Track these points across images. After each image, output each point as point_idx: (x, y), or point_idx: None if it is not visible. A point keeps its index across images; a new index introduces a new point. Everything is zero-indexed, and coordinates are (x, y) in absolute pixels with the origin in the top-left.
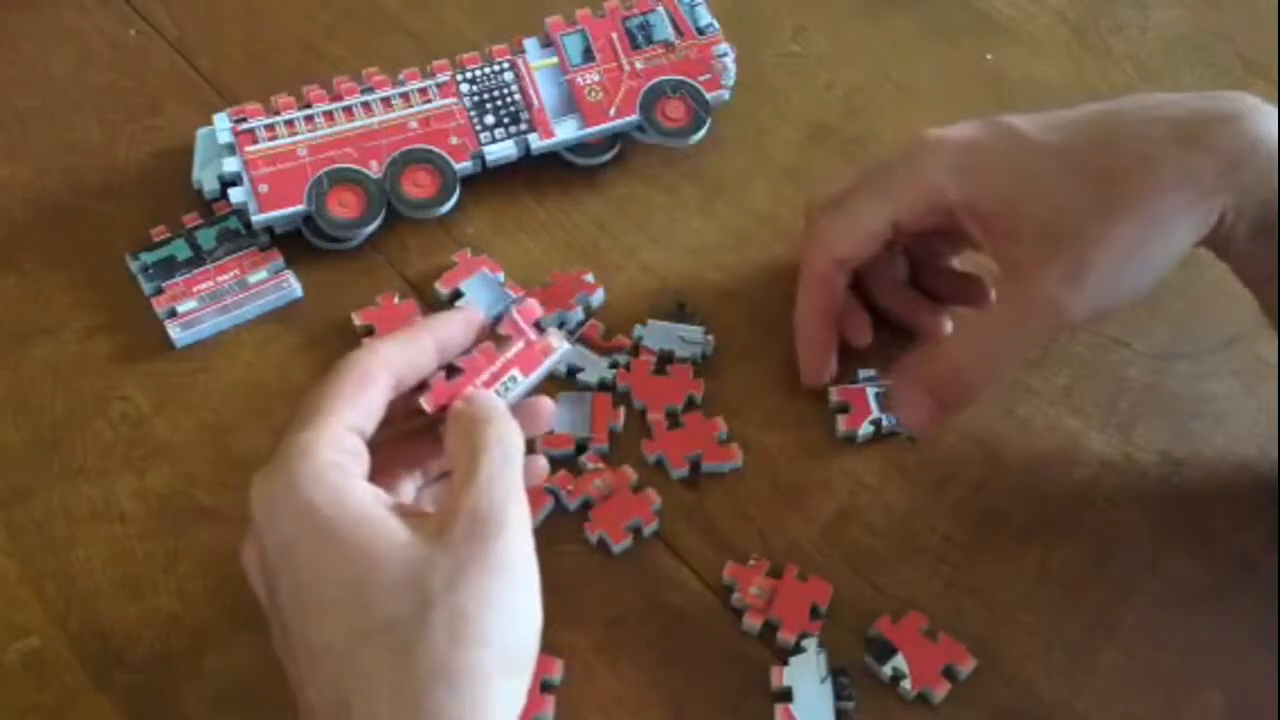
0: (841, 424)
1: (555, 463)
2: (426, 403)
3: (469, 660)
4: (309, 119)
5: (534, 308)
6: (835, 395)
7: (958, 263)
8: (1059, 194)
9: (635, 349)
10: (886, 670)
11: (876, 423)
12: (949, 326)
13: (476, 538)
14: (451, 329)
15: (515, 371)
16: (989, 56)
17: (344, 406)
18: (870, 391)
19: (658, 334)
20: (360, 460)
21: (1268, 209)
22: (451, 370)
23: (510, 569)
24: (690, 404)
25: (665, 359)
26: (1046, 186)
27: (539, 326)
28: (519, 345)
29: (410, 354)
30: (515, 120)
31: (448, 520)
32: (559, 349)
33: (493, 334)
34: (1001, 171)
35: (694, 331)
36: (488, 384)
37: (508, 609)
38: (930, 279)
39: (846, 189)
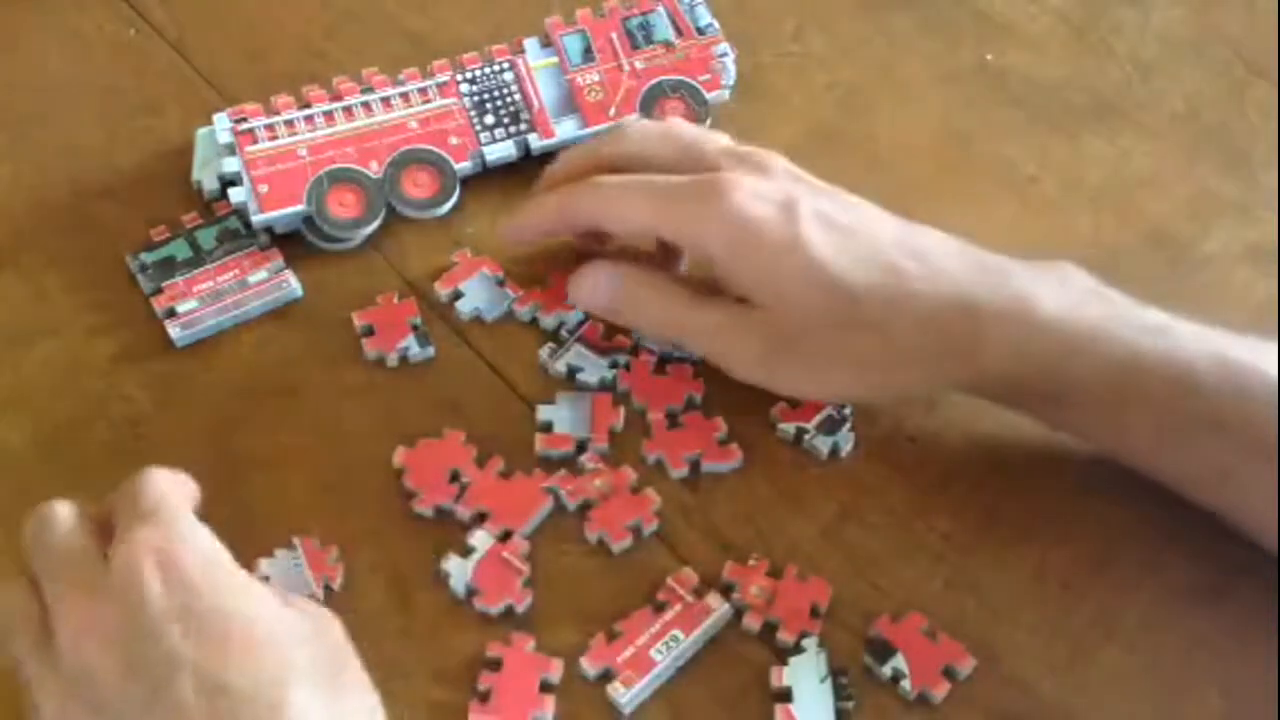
0: (776, 411)
1: (555, 463)
2: (588, 663)
3: (375, 705)
4: (309, 119)
5: (690, 576)
6: None
7: None
8: (802, 318)
9: (634, 349)
10: (886, 670)
11: (803, 430)
12: None
13: (332, 625)
14: None
15: (677, 632)
16: (989, 56)
17: (185, 504)
18: (827, 409)
19: None
20: None
21: (1018, 380)
22: (611, 634)
23: None
24: (690, 404)
25: (664, 359)
26: (797, 308)
27: (696, 592)
28: (678, 608)
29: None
30: (515, 120)
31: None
32: (718, 609)
33: (651, 599)
34: (768, 273)
35: None
36: (650, 644)
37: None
38: None
39: (649, 140)
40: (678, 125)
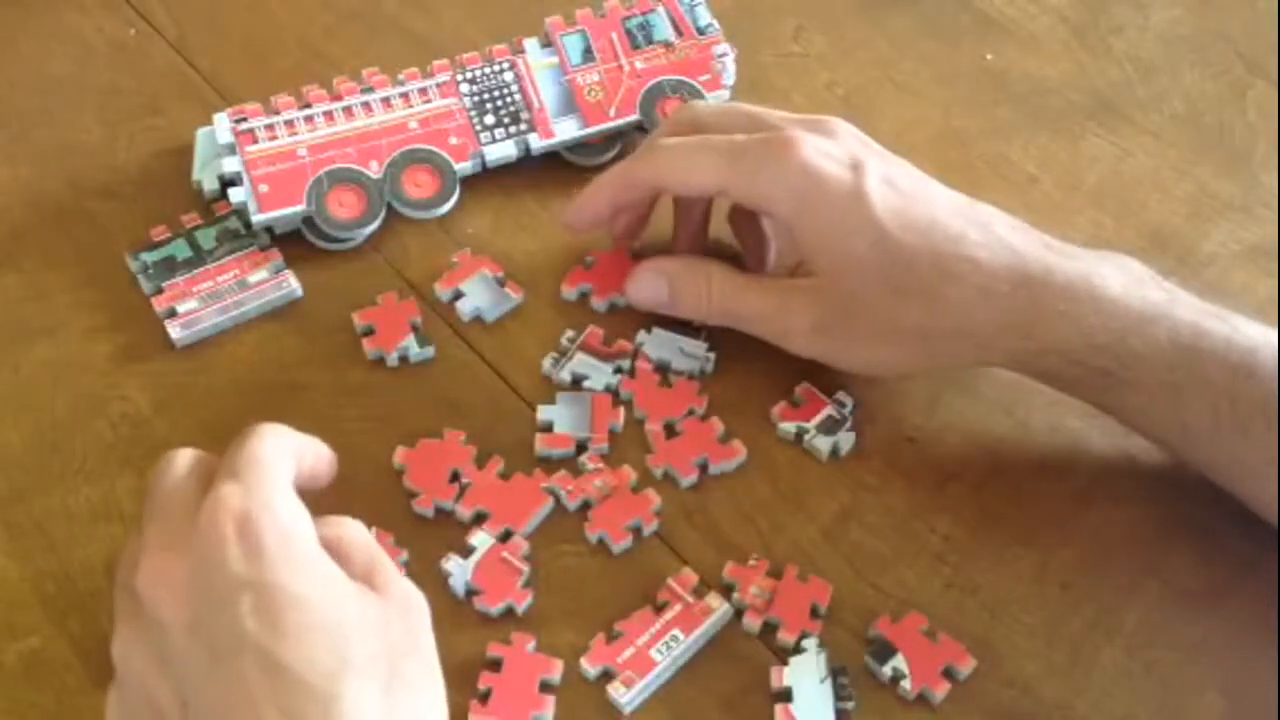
0: (776, 411)
1: (555, 463)
2: (588, 663)
3: (440, 710)
4: (309, 119)
5: (690, 576)
6: (800, 390)
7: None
8: (858, 283)
9: (635, 353)
10: (886, 670)
11: (803, 430)
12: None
13: (412, 609)
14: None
15: (677, 631)
16: (989, 56)
17: (283, 469)
18: (827, 410)
19: (659, 342)
20: None
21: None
22: (611, 634)
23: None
24: (689, 415)
25: (662, 368)
26: (854, 270)
27: (696, 591)
28: (678, 608)
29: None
30: (515, 120)
31: (380, 586)
32: (718, 610)
33: (651, 599)
34: (830, 228)
35: (696, 346)
36: (650, 644)
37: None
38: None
39: (714, 116)
40: (739, 103)
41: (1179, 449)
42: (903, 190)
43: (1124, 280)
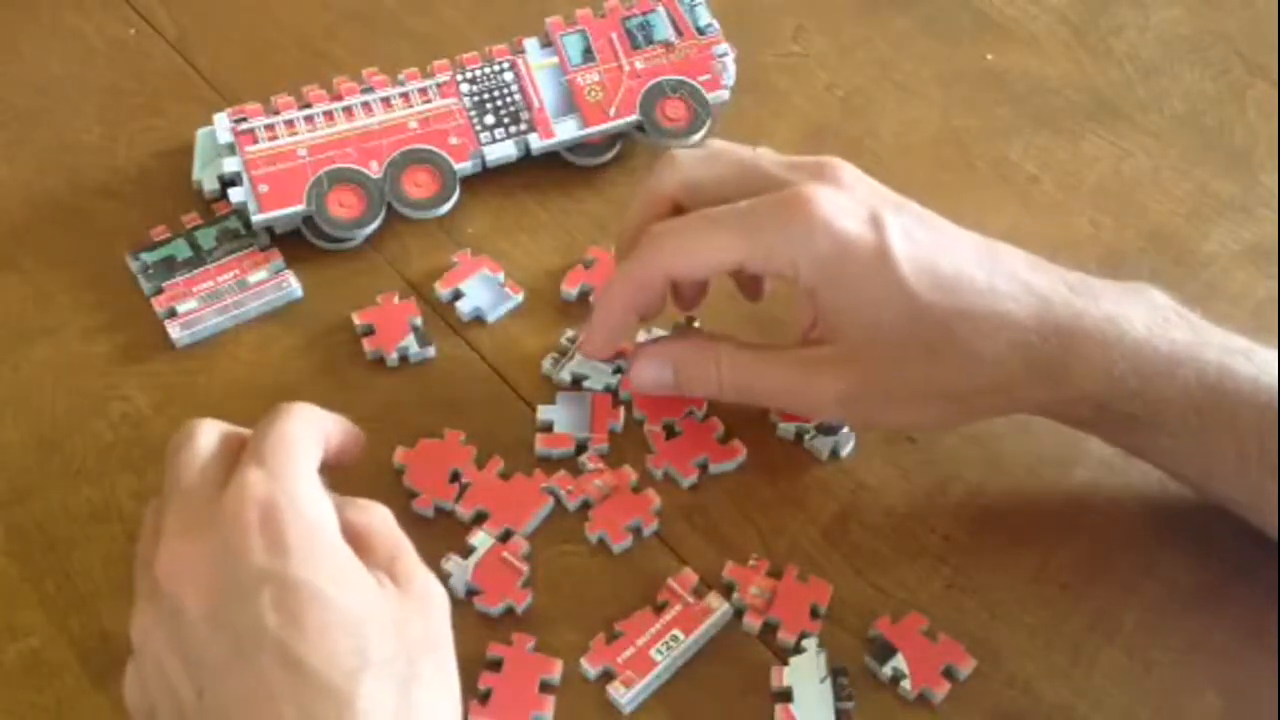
0: (776, 411)
1: (555, 463)
2: (589, 663)
3: (454, 707)
4: (309, 119)
5: (690, 576)
6: None
7: None
8: (887, 348)
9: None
10: (886, 670)
11: (803, 431)
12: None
13: (433, 605)
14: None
15: (677, 631)
16: (989, 56)
17: (310, 453)
18: None
19: None
20: None
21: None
22: (611, 634)
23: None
24: (688, 417)
25: None
26: (883, 335)
27: (696, 591)
28: (678, 608)
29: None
30: (515, 120)
31: (401, 579)
32: (718, 610)
33: (651, 599)
34: (857, 294)
35: None
36: (650, 644)
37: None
38: None
39: (700, 168)
40: (718, 143)
41: (1205, 487)
42: (924, 243)
43: (1149, 320)
